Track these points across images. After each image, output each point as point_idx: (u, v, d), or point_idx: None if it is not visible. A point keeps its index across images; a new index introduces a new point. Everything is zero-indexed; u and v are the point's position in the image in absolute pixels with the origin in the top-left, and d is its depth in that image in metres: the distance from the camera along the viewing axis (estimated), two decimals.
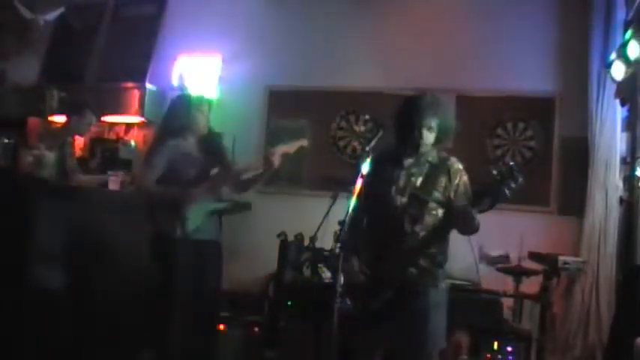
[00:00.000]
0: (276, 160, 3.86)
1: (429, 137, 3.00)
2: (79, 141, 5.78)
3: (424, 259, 2.95)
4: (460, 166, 3.05)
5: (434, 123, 2.98)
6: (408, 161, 3.04)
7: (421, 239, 2.93)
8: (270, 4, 6.06)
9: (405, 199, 2.98)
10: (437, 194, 2.97)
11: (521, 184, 2.65)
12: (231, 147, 5.16)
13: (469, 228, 2.87)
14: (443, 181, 2.99)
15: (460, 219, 2.82)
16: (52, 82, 6.33)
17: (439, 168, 3.01)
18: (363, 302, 2.97)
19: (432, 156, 3.05)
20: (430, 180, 2.99)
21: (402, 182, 3.01)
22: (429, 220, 2.96)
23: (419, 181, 3.00)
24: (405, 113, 3.02)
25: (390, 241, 2.96)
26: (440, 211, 2.98)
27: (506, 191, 2.65)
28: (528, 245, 4.41)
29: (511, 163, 2.68)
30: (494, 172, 2.67)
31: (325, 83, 5.79)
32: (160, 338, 3.87)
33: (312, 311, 4.29)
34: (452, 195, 2.98)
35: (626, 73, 4.37)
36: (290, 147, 3.97)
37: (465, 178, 3.03)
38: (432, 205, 2.97)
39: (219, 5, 6.14)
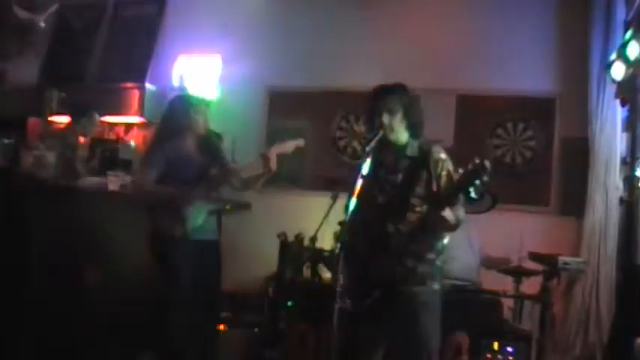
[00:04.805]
0: (274, 163, 3.85)
1: (393, 122, 2.91)
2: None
3: (411, 258, 2.85)
4: (442, 156, 2.90)
5: (394, 105, 2.92)
6: (387, 157, 2.95)
7: (405, 238, 2.82)
8: (270, 4, 6.06)
9: (385, 198, 2.90)
10: (418, 189, 2.87)
11: (486, 182, 2.53)
12: (231, 147, 5.15)
13: (451, 225, 2.78)
14: (424, 174, 2.88)
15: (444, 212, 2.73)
16: (52, 82, 6.34)
17: (419, 161, 2.90)
18: (355, 301, 2.88)
19: (412, 150, 2.95)
20: (410, 175, 2.89)
21: (381, 180, 2.93)
22: (412, 217, 2.85)
23: (399, 177, 2.91)
24: (369, 99, 3.00)
25: (374, 242, 2.87)
26: (424, 207, 2.85)
27: (470, 188, 2.55)
28: (528, 245, 4.40)
29: (476, 161, 2.53)
30: (460, 170, 2.60)
31: (325, 83, 5.79)
32: (160, 338, 3.87)
33: (312, 311, 4.29)
34: (435, 187, 2.85)
35: (626, 73, 4.37)
36: (286, 147, 3.95)
37: (449, 167, 2.87)
38: (415, 201, 2.86)
39: (219, 5, 6.14)
